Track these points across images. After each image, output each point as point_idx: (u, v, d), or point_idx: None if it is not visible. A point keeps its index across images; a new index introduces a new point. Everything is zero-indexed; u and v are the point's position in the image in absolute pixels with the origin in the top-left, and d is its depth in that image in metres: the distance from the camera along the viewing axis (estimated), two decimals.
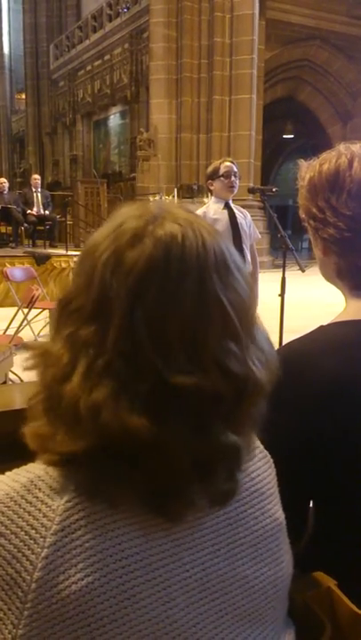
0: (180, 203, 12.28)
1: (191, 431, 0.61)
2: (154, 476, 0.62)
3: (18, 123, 26.85)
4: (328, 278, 1.10)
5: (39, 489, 0.64)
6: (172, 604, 0.64)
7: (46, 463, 0.66)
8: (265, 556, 0.73)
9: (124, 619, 0.62)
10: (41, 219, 12.32)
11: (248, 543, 0.72)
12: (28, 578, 0.60)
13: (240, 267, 0.68)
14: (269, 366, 0.68)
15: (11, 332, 5.22)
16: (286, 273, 4.19)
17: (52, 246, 11.77)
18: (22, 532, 0.62)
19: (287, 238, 4.17)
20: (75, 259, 7.76)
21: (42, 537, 0.61)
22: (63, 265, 8.27)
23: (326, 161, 1.03)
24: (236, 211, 4.23)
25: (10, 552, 0.61)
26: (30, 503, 0.63)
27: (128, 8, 17.62)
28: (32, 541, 0.61)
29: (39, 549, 0.61)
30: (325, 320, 1.03)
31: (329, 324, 1.02)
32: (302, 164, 1.08)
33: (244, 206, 4.80)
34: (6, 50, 28.04)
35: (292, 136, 21.29)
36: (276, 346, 0.75)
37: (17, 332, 5.08)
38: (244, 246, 4.13)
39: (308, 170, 1.05)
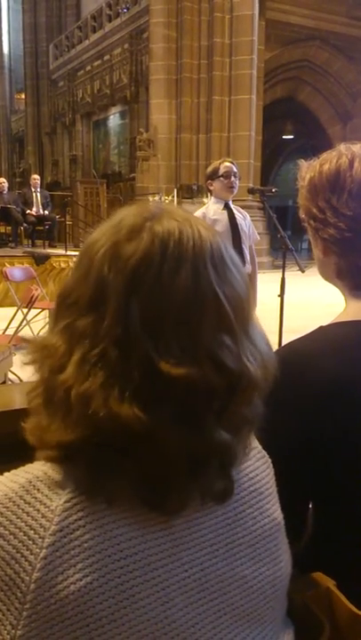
0: (180, 203, 12.30)
1: (182, 423, 0.61)
2: (146, 466, 0.62)
3: (17, 122, 26.84)
4: (328, 279, 1.09)
5: (37, 489, 0.64)
6: (171, 604, 0.64)
7: (45, 459, 0.66)
8: (263, 556, 0.73)
9: (123, 619, 0.62)
10: (40, 219, 12.32)
11: (247, 543, 0.72)
12: (27, 578, 0.60)
13: (237, 263, 0.69)
14: (265, 365, 0.68)
15: (10, 331, 5.22)
16: (286, 273, 4.19)
17: (51, 246, 11.77)
18: (21, 533, 0.62)
19: (287, 239, 4.17)
20: (74, 259, 7.76)
21: (40, 537, 0.61)
22: (62, 265, 8.27)
23: (327, 161, 1.03)
24: (235, 211, 4.23)
25: (8, 553, 0.61)
26: (29, 504, 0.63)
27: (128, 8, 17.62)
28: (31, 542, 0.61)
29: (38, 550, 0.61)
30: (325, 320, 1.03)
31: (329, 325, 1.02)
32: (302, 164, 1.08)
33: (243, 207, 4.80)
34: (6, 50, 28.04)
35: (291, 136, 21.30)
36: (276, 346, 0.75)
37: (16, 331, 5.08)
38: (243, 247, 4.14)
39: (308, 170, 1.05)
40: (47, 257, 8.48)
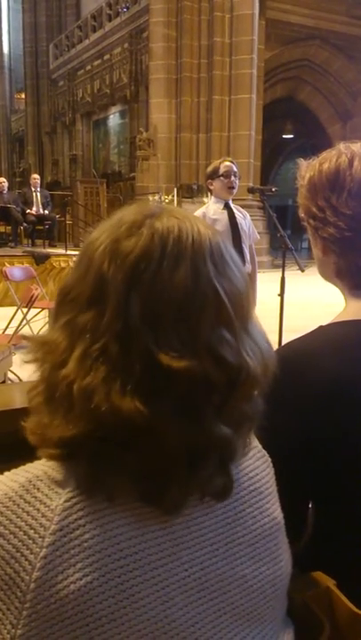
0: (180, 203, 12.30)
1: (183, 417, 0.62)
2: (146, 460, 0.62)
3: (17, 122, 26.83)
4: (327, 278, 1.09)
5: (38, 489, 0.64)
6: (171, 604, 0.65)
7: (46, 458, 0.66)
8: (263, 556, 0.73)
9: (123, 618, 0.62)
10: (40, 218, 12.33)
11: (247, 542, 0.72)
12: (27, 578, 0.60)
13: (236, 261, 0.69)
14: (265, 362, 0.68)
15: (10, 331, 5.21)
16: (286, 273, 4.19)
17: (51, 246, 11.78)
18: (21, 532, 0.62)
19: (287, 238, 4.17)
20: (74, 258, 7.76)
21: (40, 537, 0.61)
22: (62, 264, 8.27)
23: (326, 160, 1.03)
24: (235, 211, 4.23)
25: (9, 552, 0.61)
26: (29, 503, 0.63)
27: (128, 8, 17.62)
28: (31, 541, 0.61)
29: (38, 549, 0.61)
30: (325, 320, 1.03)
31: (329, 324, 1.02)
32: (302, 163, 1.08)
33: (243, 206, 4.81)
34: (6, 49, 28.03)
35: (291, 136, 21.30)
36: (276, 346, 0.75)
37: (16, 331, 5.08)
38: (243, 246, 4.14)
39: (307, 169, 1.05)
40: (47, 256, 8.48)
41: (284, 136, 21.20)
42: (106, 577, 0.62)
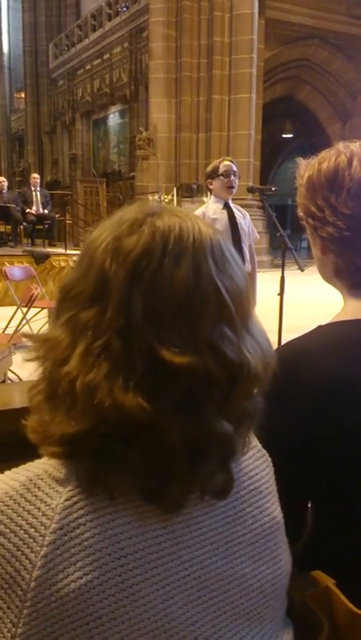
0: (179, 202, 12.29)
1: (185, 413, 0.62)
2: (148, 456, 0.62)
3: (17, 122, 26.80)
4: (326, 278, 1.09)
5: (38, 487, 0.64)
6: (171, 603, 0.65)
7: (48, 455, 0.66)
8: (263, 555, 0.73)
9: (123, 617, 0.62)
10: (40, 218, 12.32)
11: (246, 542, 0.72)
12: (28, 576, 0.60)
13: (236, 259, 0.70)
14: (265, 359, 0.68)
15: (10, 331, 5.21)
16: (285, 272, 4.19)
17: (51, 245, 11.77)
18: (22, 531, 0.62)
19: (286, 238, 4.17)
20: (74, 258, 7.77)
21: (41, 535, 0.62)
22: (62, 264, 8.28)
23: (325, 159, 1.02)
24: (235, 210, 4.23)
25: (9, 551, 0.61)
26: (29, 502, 0.63)
27: (127, 7, 17.60)
28: (31, 540, 0.61)
29: (38, 548, 0.61)
30: (324, 320, 1.03)
31: (328, 324, 1.02)
32: (301, 162, 1.08)
33: (243, 205, 4.81)
34: (5, 49, 28.00)
35: (291, 135, 21.30)
36: (276, 345, 0.75)
37: (16, 330, 5.08)
38: (243, 246, 4.14)
39: (306, 168, 1.05)
40: (47, 256, 8.49)
41: (283, 136, 21.20)
42: (106, 576, 0.62)
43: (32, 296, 5.34)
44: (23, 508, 0.63)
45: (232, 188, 4.17)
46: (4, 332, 5.33)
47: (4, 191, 12.04)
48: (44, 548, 0.61)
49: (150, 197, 12.65)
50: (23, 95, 25.08)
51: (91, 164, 20.70)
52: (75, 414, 0.62)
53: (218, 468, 0.67)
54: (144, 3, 15.74)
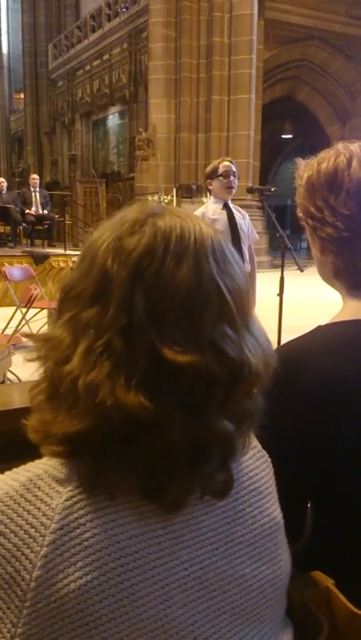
0: (179, 203, 12.29)
1: (186, 412, 0.62)
2: (150, 455, 0.63)
3: (16, 122, 26.79)
4: (326, 278, 1.10)
5: (38, 487, 0.64)
6: (171, 603, 0.65)
7: (50, 455, 0.66)
8: (263, 555, 0.73)
9: (123, 617, 0.62)
10: (39, 218, 12.32)
11: (246, 542, 0.72)
12: (28, 576, 0.61)
13: (237, 258, 0.70)
14: (266, 359, 0.69)
15: (9, 331, 5.21)
16: (285, 273, 4.19)
17: (50, 246, 11.77)
18: (22, 531, 0.62)
19: (286, 238, 4.18)
20: (73, 258, 7.77)
21: (41, 535, 0.62)
22: (62, 264, 8.27)
23: (325, 160, 1.03)
24: (234, 211, 4.24)
25: (9, 551, 0.61)
26: (30, 502, 0.63)
27: (127, 8, 17.59)
28: (31, 540, 0.62)
29: (38, 548, 0.61)
30: (324, 320, 1.04)
31: (327, 324, 1.02)
32: (300, 162, 1.08)
33: (242, 206, 4.81)
34: (5, 49, 27.98)
35: (290, 136, 21.31)
36: (275, 346, 0.75)
37: (15, 331, 5.08)
38: (242, 246, 4.15)
39: (306, 169, 1.05)
40: (46, 256, 8.48)
41: (283, 136, 21.21)
42: (106, 576, 0.62)
43: (31, 296, 5.35)
44: (23, 508, 0.63)
45: (231, 188, 4.18)
46: (3, 332, 5.33)
47: (4, 192, 12.04)
48: (44, 548, 0.61)
49: (150, 198, 12.65)
50: (22, 96, 25.07)
51: (90, 165, 20.68)
52: (77, 413, 0.62)
53: (218, 468, 0.67)
54: (143, 3, 15.74)
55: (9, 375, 3.47)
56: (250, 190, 4.80)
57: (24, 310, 5.47)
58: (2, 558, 0.61)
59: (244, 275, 0.71)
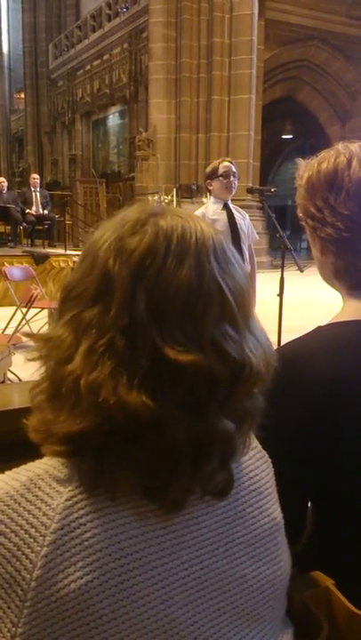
0: (179, 203, 12.29)
1: (188, 411, 0.62)
2: (151, 455, 0.63)
3: (17, 122, 26.79)
4: (326, 279, 1.10)
5: (39, 487, 0.64)
6: (171, 603, 0.65)
7: (51, 454, 0.66)
8: (263, 555, 0.73)
9: (123, 617, 0.62)
10: (40, 218, 12.32)
11: (246, 542, 0.72)
12: (28, 576, 0.61)
13: (238, 258, 0.71)
14: (266, 358, 0.69)
15: (9, 331, 5.21)
16: (285, 273, 4.20)
17: (50, 246, 11.76)
18: (22, 531, 0.62)
19: (286, 238, 4.18)
20: (73, 258, 7.77)
21: (42, 535, 0.62)
22: (62, 264, 8.27)
23: (325, 160, 1.03)
24: (234, 211, 4.24)
25: (10, 550, 0.62)
26: (30, 502, 0.64)
27: (127, 8, 17.60)
28: (32, 540, 0.62)
29: (39, 548, 0.61)
30: (324, 320, 1.04)
31: (327, 325, 1.02)
32: (300, 162, 1.08)
33: (242, 206, 4.81)
34: (5, 49, 27.99)
35: (290, 136, 21.32)
36: (275, 346, 0.75)
37: (15, 331, 5.08)
38: (242, 246, 4.15)
39: (306, 169, 1.05)
40: (46, 256, 8.48)
41: (283, 136, 21.21)
42: (106, 576, 0.62)
43: (32, 296, 5.35)
44: (24, 507, 0.63)
45: (231, 188, 4.18)
46: (3, 332, 5.33)
47: (4, 191, 12.03)
48: (45, 548, 0.61)
49: (150, 198, 12.65)
50: (23, 96, 25.07)
51: (90, 165, 20.68)
52: (79, 413, 0.62)
53: (219, 468, 0.67)
54: (144, 3, 15.74)
55: (9, 375, 3.47)
56: (250, 191, 4.80)
57: (24, 310, 5.47)
58: (2, 558, 0.61)
59: (245, 274, 0.71)
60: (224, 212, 4.17)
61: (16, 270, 6.53)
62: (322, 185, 1.01)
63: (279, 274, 4.20)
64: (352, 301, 1.04)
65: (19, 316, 5.50)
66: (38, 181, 13.03)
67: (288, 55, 16.56)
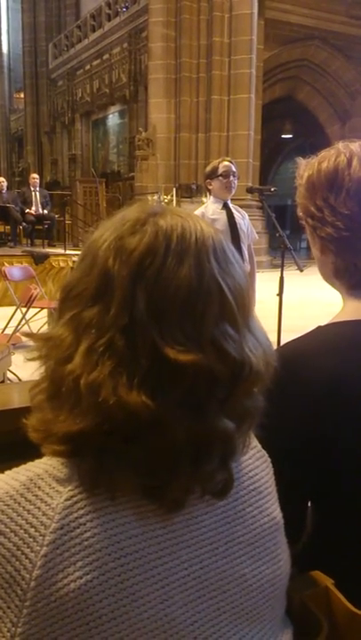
0: (179, 202, 12.29)
1: (188, 410, 0.62)
2: (151, 454, 0.63)
3: (16, 122, 26.79)
4: (326, 278, 1.09)
5: (39, 487, 0.64)
6: (171, 602, 0.65)
7: (50, 454, 0.66)
8: (263, 555, 0.73)
9: (123, 617, 0.62)
10: (39, 218, 12.31)
11: (246, 541, 0.72)
12: (28, 576, 0.61)
13: (237, 258, 0.71)
14: (266, 358, 0.69)
15: (9, 331, 5.21)
16: (285, 272, 4.20)
17: (50, 245, 11.77)
18: (22, 531, 0.62)
19: (286, 238, 4.18)
20: (73, 258, 7.77)
21: (41, 535, 0.62)
22: (62, 264, 8.28)
23: (325, 159, 1.02)
24: (234, 211, 4.24)
25: (9, 550, 0.61)
26: (30, 502, 0.63)
27: (127, 7, 17.60)
28: (31, 539, 0.62)
29: (38, 548, 0.61)
30: (324, 320, 1.04)
31: (327, 325, 1.02)
32: (301, 161, 1.08)
33: (242, 206, 4.81)
34: (5, 49, 27.98)
35: (290, 136, 21.32)
36: (275, 346, 0.75)
37: (15, 330, 5.08)
38: (242, 246, 4.15)
39: (306, 168, 1.05)
40: (46, 256, 8.49)
41: (283, 136, 21.21)
42: (106, 575, 0.62)
43: (31, 296, 5.35)
44: (23, 507, 0.63)
45: (231, 188, 4.18)
46: (3, 332, 5.33)
47: (4, 191, 12.04)
48: (44, 548, 0.61)
49: (150, 198, 12.65)
50: (22, 95, 25.07)
51: (90, 165, 20.68)
52: (78, 412, 0.62)
53: (219, 467, 0.67)
54: (143, 3, 15.74)
55: (9, 375, 3.47)
56: (250, 190, 4.80)
57: (24, 310, 5.47)
58: (2, 557, 0.61)
59: (245, 274, 0.71)
60: (224, 212, 4.18)
61: (16, 270, 6.54)
62: (322, 184, 1.01)
63: (279, 273, 4.20)
64: (352, 301, 1.04)
65: (18, 315, 5.50)
66: (38, 181, 13.03)
67: (288, 55, 16.56)
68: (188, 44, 14.15)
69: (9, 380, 3.43)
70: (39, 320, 5.81)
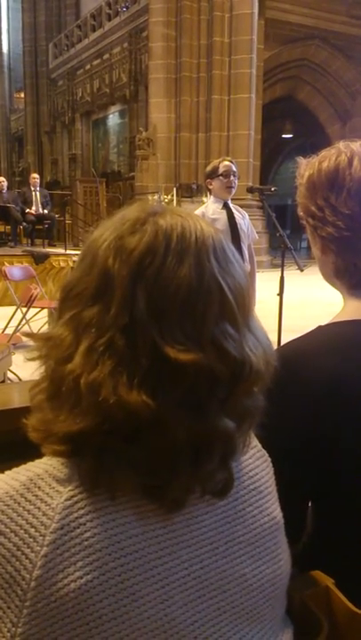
0: (179, 202, 12.29)
1: (188, 410, 0.62)
2: (152, 454, 0.63)
3: (17, 122, 26.79)
4: (327, 278, 1.09)
5: (39, 487, 0.64)
6: (171, 602, 0.65)
7: (51, 454, 0.66)
8: (263, 555, 0.73)
9: (123, 617, 0.62)
10: (40, 218, 12.31)
11: (246, 541, 0.72)
12: (28, 576, 0.60)
13: (237, 257, 0.71)
14: (266, 357, 0.69)
15: (9, 331, 5.21)
16: (285, 272, 4.20)
17: (50, 245, 11.77)
18: (22, 531, 0.62)
19: (286, 238, 4.18)
20: (73, 258, 7.77)
21: (41, 535, 0.62)
22: (62, 264, 8.28)
23: (326, 159, 1.02)
24: (234, 211, 4.24)
25: (9, 550, 0.61)
26: (30, 502, 0.63)
27: (127, 7, 17.60)
28: (32, 540, 0.61)
29: (39, 548, 0.61)
30: (324, 320, 1.03)
31: (327, 324, 1.02)
32: (301, 161, 1.07)
33: (242, 206, 4.81)
34: (5, 49, 27.98)
35: (291, 136, 21.32)
36: (275, 346, 0.75)
37: (15, 330, 5.08)
38: (242, 246, 4.15)
39: (307, 167, 1.05)
40: (46, 256, 8.49)
41: (283, 136, 21.22)
42: (106, 575, 0.62)
43: (31, 296, 5.35)
44: (24, 507, 0.63)
45: (231, 188, 4.18)
46: (3, 331, 5.33)
47: (4, 191, 12.04)
48: (45, 548, 0.61)
49: (150, 197, 12.65)
50: (23, 95, 25.06)
51: (90, 164, 20.68)
52: (79, 412, 0.62)
53: (219, 467, 0.67)
54: (144, 3, 15.73)
55: (9, 374, 3.48)
56: (250, 190, 4.80)
57: (24, 310, 5.47)
58: (2, 558, 0.61)
59: (245, 273, 0.71)
60: (224, 212, 4.18)
61: (16, 270, 6.54)
62: (323, 184, 1.01)
63: (279, 273, 4.20)
64: (353, 301, 1.04)
65: (18, 315, 5.50)
66: (38, 181, 13.03)
67: (288, 54, 16.56)
68: (188, 44, 14.16)
69: (9, 379, 3.43)
70: (39, 320, 5.81)
